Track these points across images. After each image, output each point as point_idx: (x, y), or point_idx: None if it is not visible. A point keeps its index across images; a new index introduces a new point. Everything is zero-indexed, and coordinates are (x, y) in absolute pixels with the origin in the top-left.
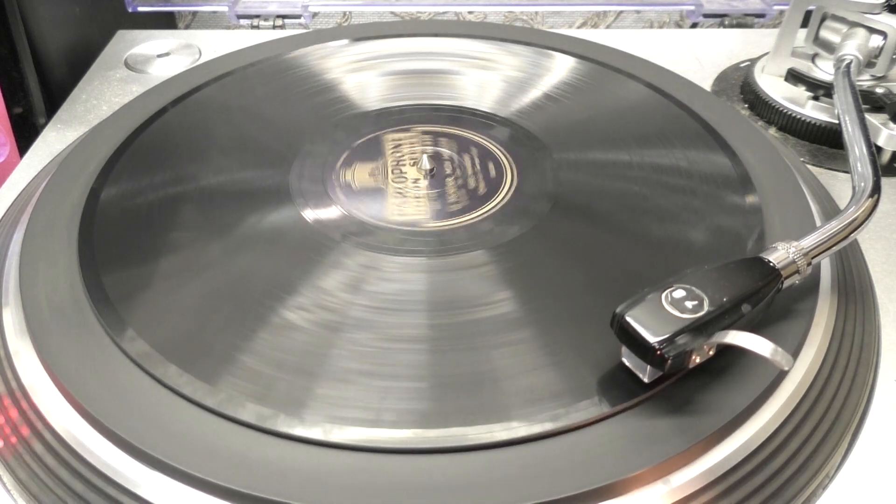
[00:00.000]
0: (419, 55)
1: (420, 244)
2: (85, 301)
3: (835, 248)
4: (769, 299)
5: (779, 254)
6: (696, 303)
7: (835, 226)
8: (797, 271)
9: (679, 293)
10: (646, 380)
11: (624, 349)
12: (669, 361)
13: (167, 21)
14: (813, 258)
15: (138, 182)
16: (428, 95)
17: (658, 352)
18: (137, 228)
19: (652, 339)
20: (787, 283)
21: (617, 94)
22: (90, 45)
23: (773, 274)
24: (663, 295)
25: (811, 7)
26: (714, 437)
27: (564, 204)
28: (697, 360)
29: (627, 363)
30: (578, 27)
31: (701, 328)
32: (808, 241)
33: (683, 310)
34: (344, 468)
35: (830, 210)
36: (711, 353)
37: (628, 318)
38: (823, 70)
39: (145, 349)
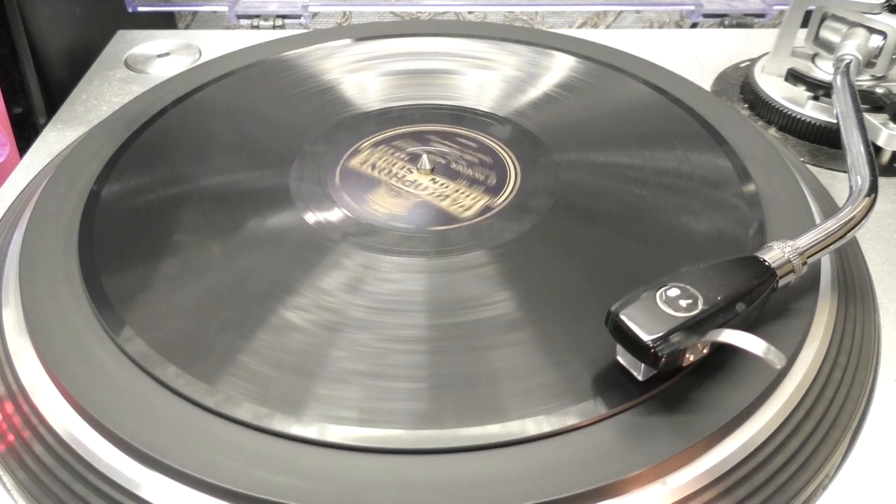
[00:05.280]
0: (419, 55)
1: (419, 244)
2: (85, 301)
3: (831, 248)
4: (764, 298)
5: (774, 253)
6: (690, 301)
7: (831, 225)
8: (792, 270)
9: (673, 292)
10: (640, 378)
11: (619, 347)
12: (663, 360)
13: (167, 21)
14: (809, 257)
15: (138, 182)
16: (428, 95)
17: (652, 350)
18: (137, 228)
19: (646, 337)
20: (782, 283)
21: (617, 94)
22: (90, 45)
23: (768, 273)
24: (658, 293)
25: (811, 7)
26: (714, 437)
27: (564, 204)
28: (691, 359)
29: (622, 361)
30: (578, 27)
31: (695, 327)
32: (804, 241)
33: (678, 308)
34: (342, 468)
35: (830, 210)
36: (706, 351)
37: (622, 317)
38: (823, 70)
39: (145, 349)
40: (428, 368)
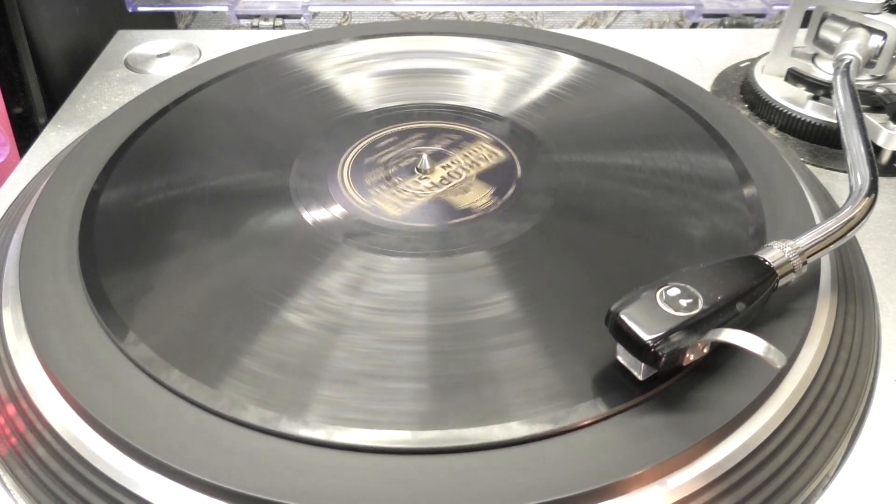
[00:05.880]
0: (419, 55)
1: (420, 245)
2: (85, 301)
3: (831, 248)
4: (764, 298)
5: (774, 252)
6: (690, 301)
7: (831, 225)
8: (792, 270)
9: (674, 291)
10: (640, 377)
11: (619, 347)
12: (663, 359)
13: (167, 21)
14: (809, 257)
15: (138, 182)
16: (428, 95)
17: (652, 349)
18: (137, 229)
19: (646, 336)
20: (782, 282)
21: (617, 94)
22: (90, 45)
23: (768, 273)
24: (658, 293)
25: (811, 7)
26: (714, 437)
27: (565, 204)
28: (692, 358)
29: (622, 361)
30: (578, 27)
31: (695, 326)
32: (804, 240)
33: (678, 308)
34: (345, 469)
35: (830, 210)
36: (706, 351)
37: (623, 316)
38: (823, 70)
39: (145, 350)
40: (429, 369)
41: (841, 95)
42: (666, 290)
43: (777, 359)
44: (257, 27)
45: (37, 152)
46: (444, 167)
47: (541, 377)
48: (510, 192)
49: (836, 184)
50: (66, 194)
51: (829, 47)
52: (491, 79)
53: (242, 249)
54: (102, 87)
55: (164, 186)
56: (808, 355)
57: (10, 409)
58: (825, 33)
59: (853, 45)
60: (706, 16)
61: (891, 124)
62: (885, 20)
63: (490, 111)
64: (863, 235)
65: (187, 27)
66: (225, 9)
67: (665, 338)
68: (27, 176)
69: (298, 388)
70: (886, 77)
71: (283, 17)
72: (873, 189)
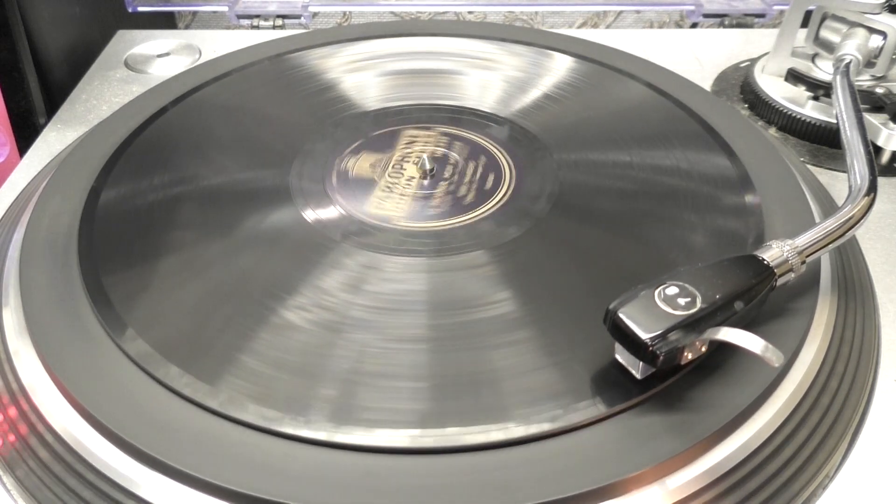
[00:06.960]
0: (419, 55)
1: (420, 244)
2: (85, 301)
3: (830, 247)
4: (762, 297)
5: (773, 252)
6: (688, 300)
7: (830, 224)
8: (791, 269)
9: (672, 290)
10: (638, 376)
11: (617, 345)
12: (661, 358)
13: (167, 21)
14: (807, 256)
15: (138, 182)
16: (428, 95)
17: (650, 348)
18: (137, 228)
19: (644, 335)
20: (781, 282)
21: (617, 94)
22: (90, 45)
23: (766, 272)
24: (656, 292)
25: (811, 7)
26: (714, 438)
27: (564, 204)
28: (690, 357)
29: (620, 359)
30: (578, 27)
31: (693, 325)
32: (803, 240)
33: (676, 307)
34: (344, 469)
35: (830, 210)
36: (704, 349)
37: (621, 315)
38: (823, 70)
39: (145, 349)
40: (429, 368)
41: (841, 95)
42: (664, 289)
43: (775, 358)
44: (257, 27)
45: (37, 152)
46: (444, 167)
47: (540, 377)
48: (510, 192)
49: (836, 184)
50: (67, 194)
51: (829, 47)
52: (490, 79)
53: (242, 248)
54: (102, 87)
55: (163, 185)
56: (807, 355)
57: (11, 410)
58: (825, 33)
59: (853, 45)
60: (706, 16)
61: (891, 124)
62: (885, 20)
63: (489, 111)
64: (863, 235)
65: (187, 27)
66: (225, 9)
67: (663, 336)
68: (27, 176)
69: (298, 387)
70: (886, 77)
71: (283, 17)
72: (872, 188)
